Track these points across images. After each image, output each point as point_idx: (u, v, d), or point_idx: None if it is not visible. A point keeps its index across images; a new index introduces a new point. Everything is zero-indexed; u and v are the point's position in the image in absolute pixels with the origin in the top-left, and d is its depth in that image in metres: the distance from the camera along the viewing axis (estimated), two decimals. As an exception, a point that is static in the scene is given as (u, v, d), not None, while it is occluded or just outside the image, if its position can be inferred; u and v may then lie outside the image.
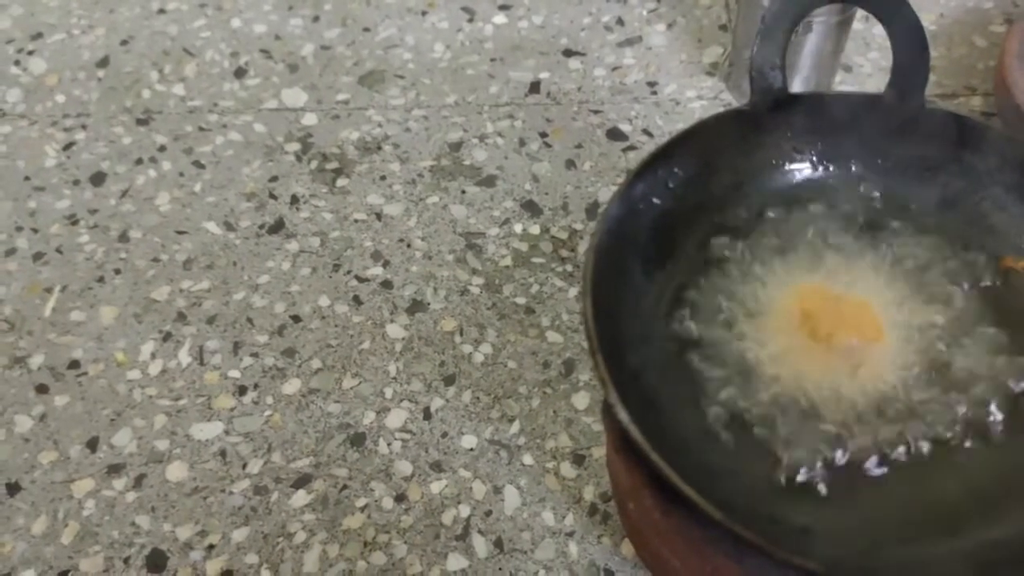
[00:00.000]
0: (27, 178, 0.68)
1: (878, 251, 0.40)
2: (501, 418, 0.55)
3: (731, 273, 0.39)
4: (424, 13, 0.78)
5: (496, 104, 0.71)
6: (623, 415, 0.32)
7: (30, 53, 0.77)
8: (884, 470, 0.34)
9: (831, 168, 0.42)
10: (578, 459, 0.54)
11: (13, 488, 0.53)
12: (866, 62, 0.73)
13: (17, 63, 0.76)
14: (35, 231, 0.65)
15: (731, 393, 0.37)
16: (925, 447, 0.34)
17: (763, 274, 0.38)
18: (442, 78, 0.73)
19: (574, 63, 0.74)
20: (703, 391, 0.37)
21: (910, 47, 0.40)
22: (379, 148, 0.69)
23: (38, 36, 0.78)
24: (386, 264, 0.62)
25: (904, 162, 0.41)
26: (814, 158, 0.42)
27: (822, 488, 0.34)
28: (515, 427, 0.55)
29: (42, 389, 0.57)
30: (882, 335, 0.36)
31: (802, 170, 0.42)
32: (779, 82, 0.40)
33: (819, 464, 0.34)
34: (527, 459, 0.54)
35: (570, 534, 0.51)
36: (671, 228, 0.39)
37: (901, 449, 0.34)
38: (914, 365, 0.35)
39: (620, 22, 0.76)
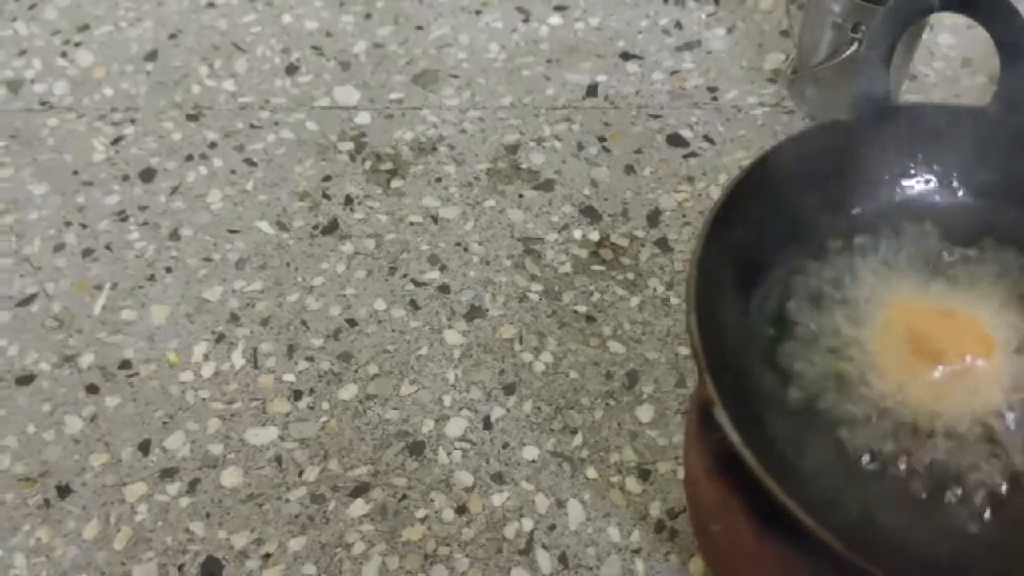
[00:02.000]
0: (75, 172, 0.67)
1: (983, 271, 0.38)
2: (563, 429, 0.54)
3: (832, 295, 0.37)
4: (478, 12, 0.77)
5: (553, 107, 0.70)
6: (734, 437, 0.31)
7: (77, 45, 0.75)
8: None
9: (932, 184, 0.40)
10: (643, 474, 0.52)
11: (64, 491, 0.52)
12: (931, 71, 0.71)
13: (64, 55, 0.75)
14: (84, 226, 0.64)
15: (846, 423, 0.35)
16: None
17: (867, 292, 0.37)
18: (497, 79, 0.72)
19: (632, 66, 0.72)
20: (811, 419, 0.36)
21: (1019, 59, 0.39)
22: (434, 149, 0.67)
23: (85, 28, 0.77)
24: (443, 268, 0.61)
25: (1009, 180, 0.39)
26: (915, 173, 0.40)
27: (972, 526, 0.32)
28: (578, 439, 0.54)
29: (92, 389, 0.56)
30: (992, 350, 0.34)
31: (904, 186, 0.40)
32: (882, 90, 0.38)
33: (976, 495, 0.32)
34: (591, 472, 0.52)
35: (636, 551, 0.50)
36: (771, 241, 0.38)
37: None
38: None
39: (678, 25, 0.75)
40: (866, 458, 0.34)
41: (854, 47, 0.60)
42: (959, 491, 0.33)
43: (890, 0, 0.36)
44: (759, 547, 0.37)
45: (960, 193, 0.40)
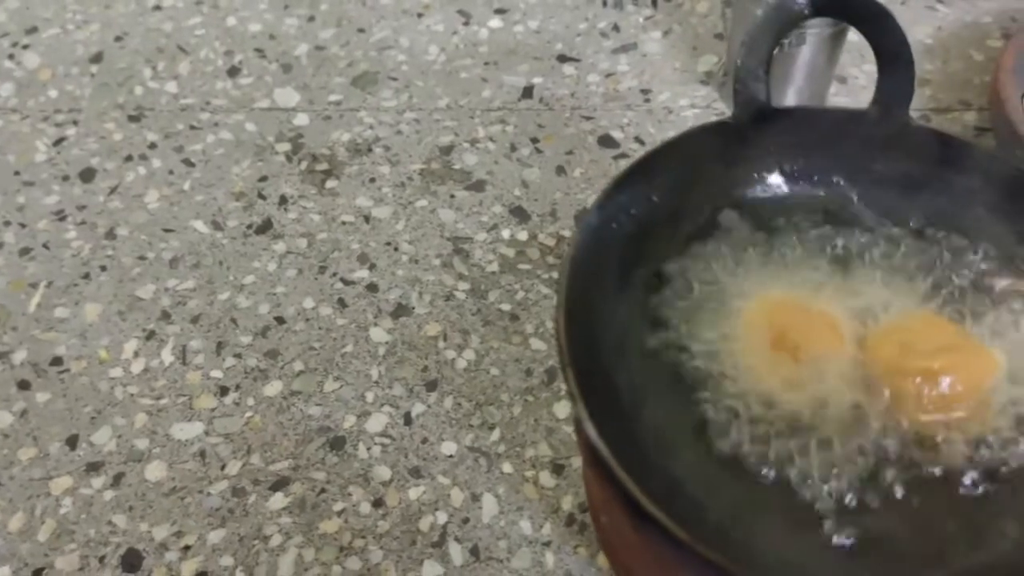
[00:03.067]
0: (16, 172, 0.68)
1: (859, 264, 0.39)
2: (482, 425, 0.55)
3: (709, 285, 0.38)
4: (420, 15, 0.78)
5: (488, 108, 0.71)
6: (591, 430, 0.32)
7: (24, 47, 0.77)
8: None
9: (813, 182, 0.42)
10: (557, 469, 0.54)
11: (-9, 484, 0.53)
12: (861, 74, 0.73)
13: (11, 56, 0.76)
14: (23, 226, 0.65)
15: (711, 406, 0.37)
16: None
17: (740, 287, 0.38)
18: (435, 81, 0.73)
19: (568, 68, 0.73)
20: (681, 405, 0.37)
21: (895, 62, 0.40)
22: (370, 150, 0.69)
23: (33, 30, 0.78)
24: (372, 267, 0.62)
25: (887, 178, 0.41)
26: (796, 172, 0.41)
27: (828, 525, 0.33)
28: (495, 435, 0.55)
29: (24, 385, 0.57)
30: (843, 344, 0.36)
31: (783, 184, 0.42)
32: (763, 95, 0.40)
33: (826, 490, 0.33)
34: (506, 467, 0.54)
35: (547, 544, 0.51)
36: (649, 238, 0.39)
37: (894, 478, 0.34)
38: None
39: (616, 28, 0.76)
40: (730, 453, 0.35)
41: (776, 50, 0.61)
42: (817, 487, 0.35)
43: (764, 10, 0.38)
44: (636, 537, 0.38)
45: (841, 191, 0.42)
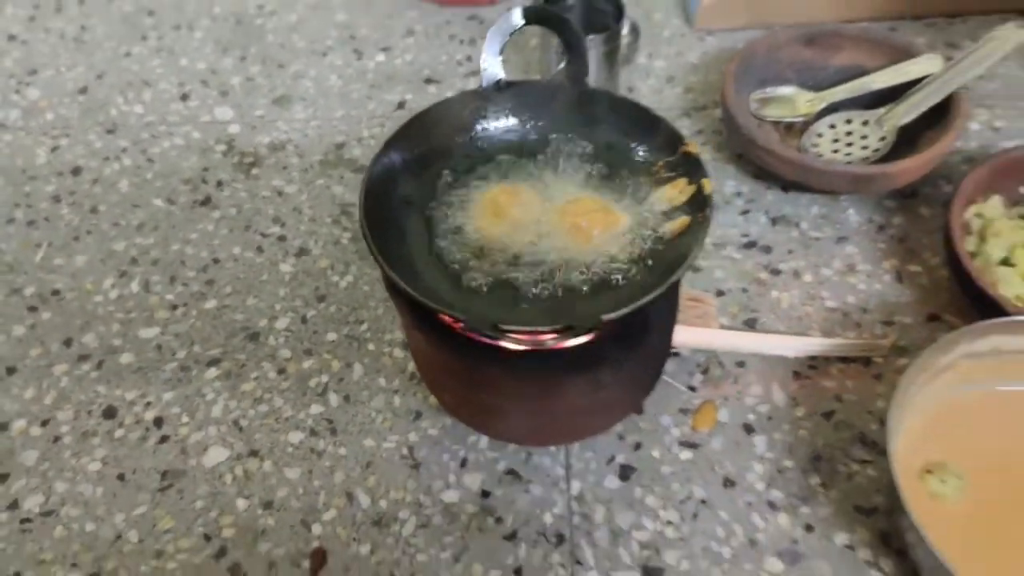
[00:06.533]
0: (24, 171, 0.93)
1: (551, 171, 0.64)
2: (355, 321, 0.80)
3: (459, 188, 0.63)
4: (324, 54, 1.05)
5: (372, 117, 0.97)
6: (378, 257, 0.57)
7: (27, 84, 1.02)
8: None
9: (529, 126, 0.67)
10: (405, 346, 0.78)
11: (11, 370, 0.77)
12: (645, 87, 1.00)
13: (17, 92, 1.01)
14: (29, 207, 0.90)
15: (447, 242, 0.60)
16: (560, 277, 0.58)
17: (479, 186, 0.63)
18: (334, 99, 0.99)
19: (432, 88, 1.00)
20: (435, 248, 0.61)
21: (574, 51, 0.66)
22: (283, 148, 0.94)
23: (33, 72, 1.04)
24: (283, 225, 0.87)
25: (577, 121, 0.66)
26: (520, 119, 0.67)
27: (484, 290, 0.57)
28: (364, 327, 0.79)
29: (32, 309, 0.81)
30: (532, 210, 0.61)
31: (512, 127, 0.67)
32: (501, 74, 0.66)
33: (486, 280, 0.57)
34: (371, 347, 0.78)
35: (396, 391, 0.75)
36: (421, 166, 0.64)
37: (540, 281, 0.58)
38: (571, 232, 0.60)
39: (469, 59, 1.03)
40: (457, 268, 0.59)
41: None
42: (522, 280, 0.59)
43: (497, 21, 0.64)
44: (410, 320, 0.62)
45: (548, 131, 0.66)
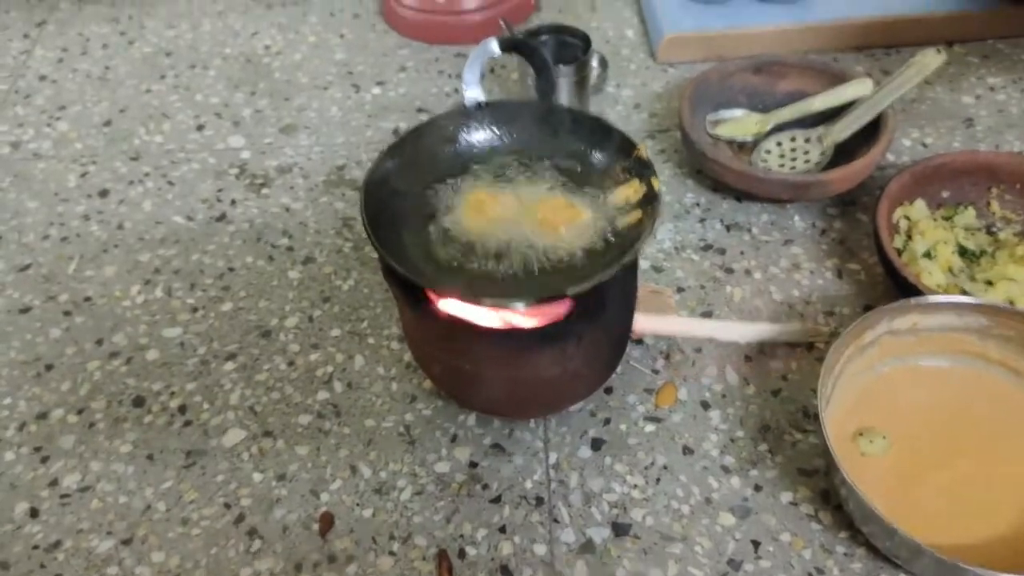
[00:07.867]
0: (56, 194, 1.03)
1: (524, 177, 0.74)
2: (356, 319, 0.89)
3: (446, 190, 0.74)
4: (326, 88, 1.16)
5: (369, 143, 1.08)
6: (373, 239, 0.67)
7: (57, 119, 1.13)
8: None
9: (505, 138, 0.77)
10: (402, 339, 0.88)
11: (49, 367, 0.86)
12: (613, 112, 1.11)
13: (48, 125, 1.12)
14: (62, 224, 1.00)
15: (436, 232, 0.70)
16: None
17: (463, 189, 0.73)
18: (336, 128, 1.10)
19: (423, 116, 1.11)
20: (424, 237, 0.70)
21: (542, 74, 0.76)
22: (290, 170, 1.05)
23: (62, 108, 1.15)
24: (290, 237, 0.97)
25: (545, 133, 0.77)
26: (497, 133, 0.77)
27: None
28: (365, 323, 0.89)
29: (67, 313, 0.91)
30: (507, 210, 0.71)
31: (491, 139, 0.77)
32: (480, 96, 0.76)
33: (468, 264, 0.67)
34: (371, 340, 0.88)
35: (393, 378, 0.84)
36: (413, 170, 0.74)
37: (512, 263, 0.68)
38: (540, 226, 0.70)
39: (456, 91, 1.15)
40: (445, 259, 0.69)
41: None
42: (493, 266, 0.69)
43: (475, 49, 0.75)
44: (415, 320, 0.72)
45: (517, 141, 0.77)
